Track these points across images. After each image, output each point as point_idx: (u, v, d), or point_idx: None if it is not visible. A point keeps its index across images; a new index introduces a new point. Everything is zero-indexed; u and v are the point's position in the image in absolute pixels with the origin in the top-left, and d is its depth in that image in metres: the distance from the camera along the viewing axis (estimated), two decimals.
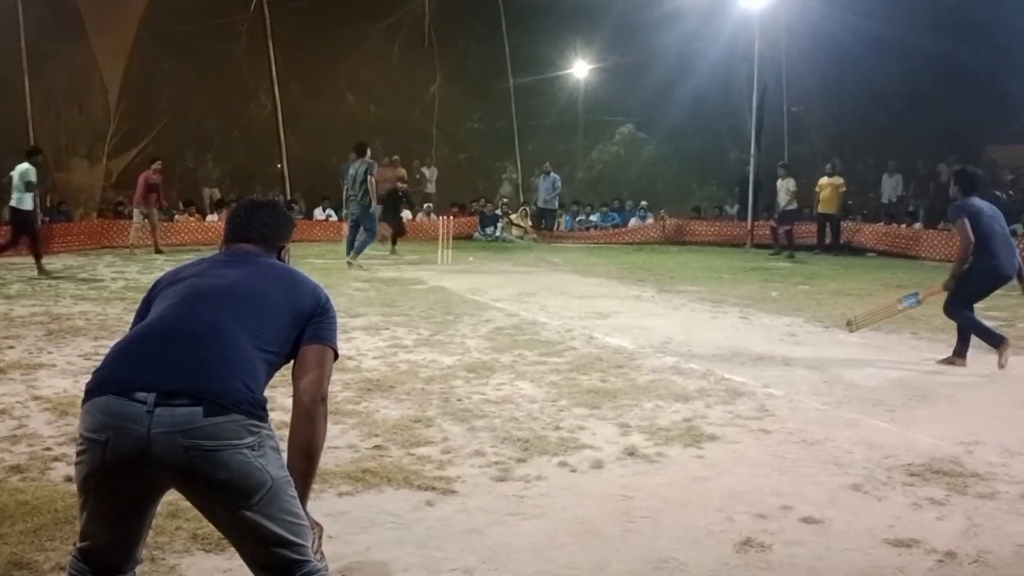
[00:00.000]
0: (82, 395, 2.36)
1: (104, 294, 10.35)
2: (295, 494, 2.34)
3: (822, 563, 3.42)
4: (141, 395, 2.19)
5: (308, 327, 2.54)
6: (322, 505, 3.85)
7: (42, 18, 17.61)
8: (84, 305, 9.43)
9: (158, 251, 15.73)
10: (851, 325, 8.00)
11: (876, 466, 4.55)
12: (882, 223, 19.35)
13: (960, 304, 7.30)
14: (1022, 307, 10.42)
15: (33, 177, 12.13)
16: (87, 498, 2.30)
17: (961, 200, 7.30)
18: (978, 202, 7.31)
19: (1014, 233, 17.31)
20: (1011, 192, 21.04)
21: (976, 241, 7.10)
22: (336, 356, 2.59)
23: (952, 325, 8.81)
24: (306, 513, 2.39)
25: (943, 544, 3.57)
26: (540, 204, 21.43)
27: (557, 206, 21.66)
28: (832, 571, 3.36)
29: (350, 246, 14.03)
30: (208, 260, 2.70)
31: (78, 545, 2.39)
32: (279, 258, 2.77)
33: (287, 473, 2.33)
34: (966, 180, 7.38)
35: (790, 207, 18.17)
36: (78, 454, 2.28)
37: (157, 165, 16.23)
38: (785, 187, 18.14)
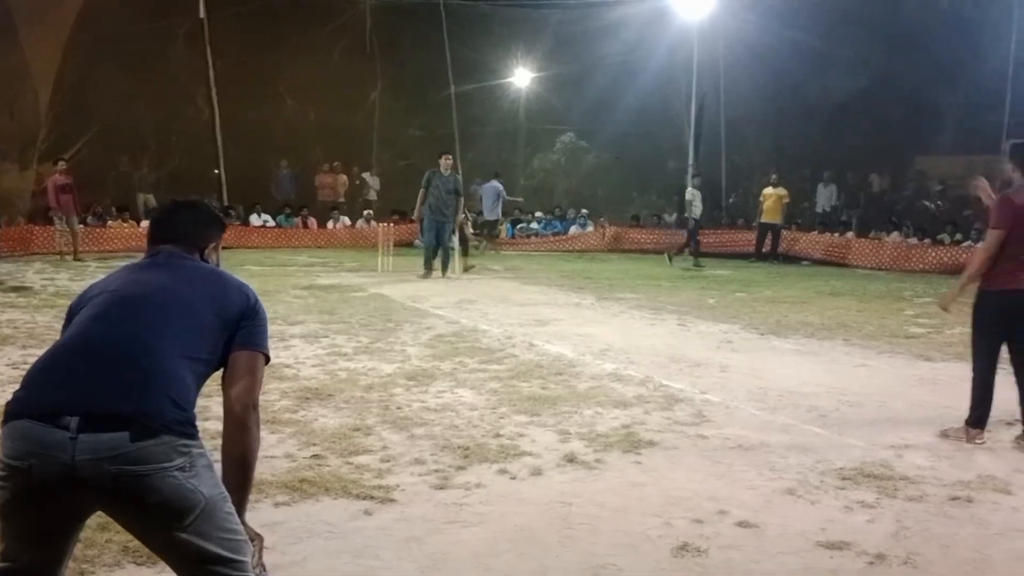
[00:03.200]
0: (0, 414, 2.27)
1: (33, 301, 10.09)
2: (231, 510, 2.28)
3: (757, 566, 3.48)
4: (64, 419, 2.11)
5: (238, 331, 2.45)
6: (258, 515, 3.79)
7: None
8: (12, 313, 9.18)
9: (76, 259, 15.13)
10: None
11: (809, 470, 4.63)
12: (816, 232, 19.76)
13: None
14: (950, 315, 10.72)
15: None
16: (8, 523, 2.21)
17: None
18: None
19: (940, 242, 18.00)
20: (939, 203, 21.67)
21: None
22: (267, 360, 2.52)
23: (884, 330, 9.07)
24: (245, 525, 2.35)
25: (874, 546, 3.65)
26: (487, 216, 20.57)
27: (500, 215, 21.17)
28: (767, 574, 3.42)
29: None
30: (130, 267, 2.59)
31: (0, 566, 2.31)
32: (203, 259, 2.65)
33: (222, 489, 2.27)
34: None
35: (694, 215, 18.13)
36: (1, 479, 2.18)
37: (62, 165, 15.62)
38: (696, 196, 18.15)
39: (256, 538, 2.41)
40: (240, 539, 2.27)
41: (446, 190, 13.48)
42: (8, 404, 2.23)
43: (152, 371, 2.23)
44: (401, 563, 3.43)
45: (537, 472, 4.53)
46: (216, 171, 21.13)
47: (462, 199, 13.95)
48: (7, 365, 6.61)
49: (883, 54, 21.05)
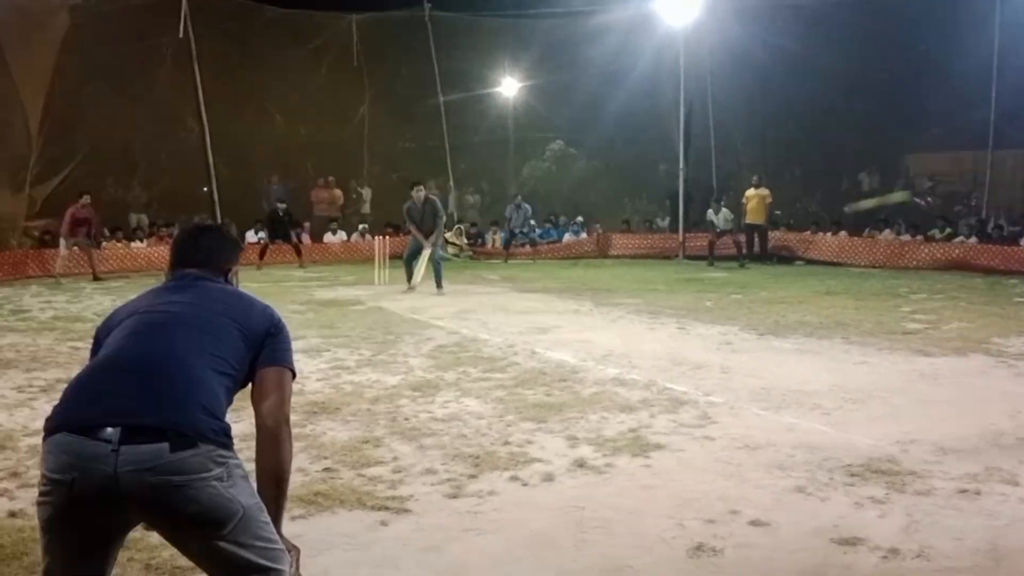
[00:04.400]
0: (42, 432, 2.31)
1: (33, 325, 10.08)
2: (268, 519, 2.32)
3: (773, 564, 3.52)
4: (105, 432, 2.15)
5: (263, 350, 2.51)
6: None
7: None
8: (12, 336, 9.17)
9: (96, 279, 15.43)
10: None
11: (817, 468, 4.68)
12: (808, 232, 19.86)
13: None
14: (946, 310, 10.82)
15: None
16: (51, 538, 2.24)
17: None
18: None
19: (932, 237, 18.13)
20: (930, 199, 21.81)
21: None
22: (294, 376, 2.57)
23: (881, 327, 9.15)
24: (281, 536, 2.38)
25: (886, 541, 3.69)
26: (514, 230, 21.24)
27: (530, 230, 21.64)
28: (783, 571, 3.46)
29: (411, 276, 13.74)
30: (156, 290, 2.66)
31: None
32: (227, 281, 2.73)
33: (258, 499, 2.32)
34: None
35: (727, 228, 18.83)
36: (41, 494, 2.22)
37: (86, 199, 15.89)
38: (723, 217, 18.79)
39: (293, 550, 2.45)
40: (277, 548, 2.32)
41: (429, 215, 13.64)
42: (48, 420, 2.27)
43: (186, 384, 2.29)
44: (420, 572, 3.46)
45: (548, 478, 4.57)
46: (205, 189, 21.14)
47: (443, 218, 14.12)
48: (12, 388, 6.61)
49: (867, 54, 21.20)
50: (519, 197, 21.79)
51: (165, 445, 2.15)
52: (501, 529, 3.90)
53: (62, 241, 15.82)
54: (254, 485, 2.38)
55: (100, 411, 2.20)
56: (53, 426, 2.23)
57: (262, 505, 2.32)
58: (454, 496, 4.29)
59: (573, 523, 3.97)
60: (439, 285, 13.43)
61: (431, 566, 3.53)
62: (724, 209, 18.97)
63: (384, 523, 3.96)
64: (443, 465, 4.75)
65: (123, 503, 2.16)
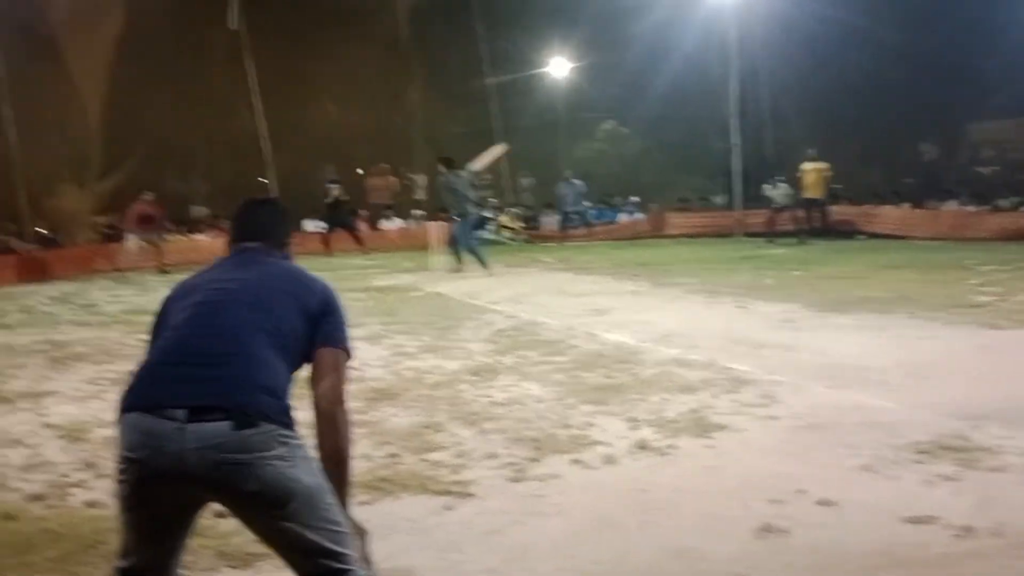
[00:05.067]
0: (115, 415, 2.39)
1: (102, 319, 10.34)
2: (333, 502, 2.35)
3: (842, 544, 3.46)
4: (173, 411, 2.21)
5: (319, 329, 2.51)
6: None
7: (16, 45, 17.57)
8: (83, 331, 9.42)
9: (163, 271, 15.78)
10: None
11: (885, 446, 4.59)
12: (869, 205, 19.49)
13: None
14: (1016, 281, 10.54)
15: None
16: (128, 515, 2.33)
17: None
18: None
19: (1000, 208, 17.66)
20: (995, 168, 21.24)
21: None
22: (350, 356, 2.56)
23: (948, 301, 8.95)
24: (349, 518, 2.41)
25: (960, 519, 3.61)
26: (568, 209, 21.21)
27: (584, 208, 21.56)
28: (854, 551, 3.40)
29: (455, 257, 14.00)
30: (216, 267, 2.69)
31: (117, 564, 2.41)
32: (286, 257, 2.75)
33: (322, 480, 2.35)
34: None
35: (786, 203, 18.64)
36: (118, 472, 2.31)
37: (149, 196, 16.28)
38: (781, 192, 18.58)
39: (361, 532, 2.47)
40: (342, 531, 2.34)
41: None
42: (121, 400, 2.35)
43: (250, 364, 2.33)
44: (484, 556, 3.48)
45: (610, 460, 4.55)
46: (262, 179, 21.46)
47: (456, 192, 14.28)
48: (84, 381, 6.79)
49: (923, 22, 20.67)
50: (569, 173, 21.69)
51: (228, 424, 2.20)
52: (564, 512, 3.90)
53: (129, 236, 16.19)
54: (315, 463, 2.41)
55: (168, 391, 2.27)
56: (126, 406, 2.31)
57: (326, 487, 2.34)
58: (516, 480, 4.31)
59: (636, 505, 3.95)
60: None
61: (495, 549, 3.54)
62: (782, 184, 18.70)
63: (448, 507, 3.99)
64: (505, 449, 4.77)
65: (191, 480, 2.22)
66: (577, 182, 21.21)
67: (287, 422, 2.31)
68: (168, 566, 2.41)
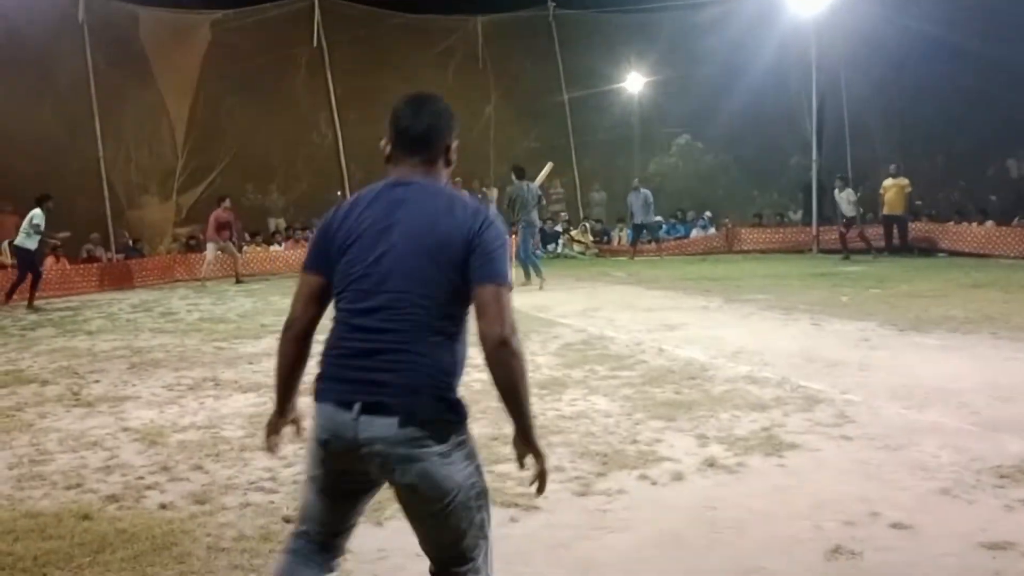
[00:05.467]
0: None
1: (181, 326, 10.62)
2: (482, 503, 2.49)
3: (916, 569, 3.37)
4: (350, 405, 2.39)
5: (473, 265, 2.41)
6: (406, 524, 3.90)
7: (110, 60, 18.22)
8: (163, 338, 9.69)
9: (238, 281, 16.30)
10: None
11: (964, 469, 4.46)
12: (952, 222, 18.95)
13: None
14: None
15: (40, 221, 13.33)
16: (310, 487, 2.57)
17: None
18: None
19: None
20: None
21: None
22: (510, 288, 2.45)
23: (1000, 313, 8.64)
24: (532, 444, 2.51)
25: None
26: (638, 221, 20.71)
27: (653, 219, 21.22)
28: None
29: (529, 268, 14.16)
30: (376, 199, 2.55)
31: (296, 528, 2.63)
32: (447, 162, 2.64)
33: (475, 480, 2.47)
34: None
35: (852, 214, 18.16)
36: (310, 450, 2.52)
37: (227, 203, 16.81)
38: (845, 198, 18.11)
39: (542, 457, 2.55)
40: (479, 538, 2.49)
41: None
42: (313, 387, 2.51)
43: (413, 363, 2.40)
44: (551, 569, 3.48)
45: (678, 477, 4.51)
46: (339, 193, 21.80)
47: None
48: (162, 387, 6.98)
49: (1010, 35, 20.03)
50: (636, 181, 21.47)
51: (395, 420, 2.36)
52: (630, 528, 3.88)
53: (209, 245, 16.66)
54: (479, 463, 2.51)
55: (344, 389, 2.43)
56: (317, 395, 2.49)
57: (478, 488, 2.47)
58: (583, 494, 4.29)
59: (704, 523, 3.90)
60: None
61: (561, 563, 3.54)
62: (848, 190, 18.21)
63: (514, 519, 3.99)
64: (571, 463, 4.76)
65: (362, 466, 2.44)
66: (644, 191, 20.99)
67: (451, 419, 2.43)
68: (339, 536, 2.63)
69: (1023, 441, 4.88)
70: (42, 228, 13.35)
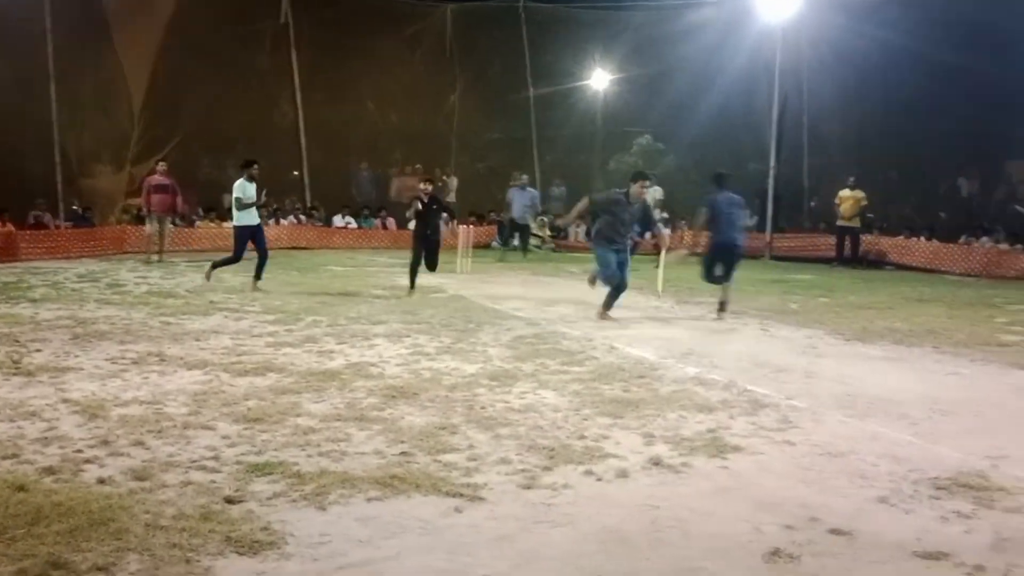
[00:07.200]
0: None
1: (128, 299, 10.44)
2: None
3: (851, 574, 3.43)
4: None
5: None
6: (351, 510, 3.90)
7: (70, 24, 17.81)
8: (108, 309, 9.52)
9: (159, 260, 15.47)
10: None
11: (902, 479, 4.54)
12: (901, 236, 19.30)
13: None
14: None
15: None
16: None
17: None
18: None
19: None
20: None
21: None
22: None
23: (974, 338, 8.88)
24: None
25: (972, 558, 3.56)
26: (515, 217, 19.66)
27: (530, 221, 20.20)
28: None
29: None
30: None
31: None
32: None
33: None
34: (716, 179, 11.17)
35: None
36: None
37: (162, 166, 16.21)
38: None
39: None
40: None
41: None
42: None
43: None
44: (494, 561, 3.48)
45: (623, 474, 4.54)
46: (296, 173, 21.61)
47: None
48: (106, 360, 6.85)
49: (970, 55, 20.38)
50: (525, 178, 20.38)
51: None
52: (574, 522, 3.89)
53: (148, 219, 16.05)
54: None
55: None
56: None
57: None
58: (528, 487, 4.30)
59: (647, 521, 3.93)
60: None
61: (503, 555, 3.53)
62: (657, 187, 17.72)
63: (458, 509, 3.99)
64: (518, 455, 4.76)
65: None
66: (531, 190, 19.90)
67: None
68: None
69: (959, 454, 4.99)
70: None
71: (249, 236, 11.73)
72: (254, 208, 11.82)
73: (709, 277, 10.56)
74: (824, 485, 4.46)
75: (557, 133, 25.93)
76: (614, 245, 10.08)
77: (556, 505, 4.08)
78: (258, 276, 11.62)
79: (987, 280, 15.93)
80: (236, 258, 11.76)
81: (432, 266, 12.02)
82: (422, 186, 12.36)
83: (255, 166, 11.98)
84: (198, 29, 19.89)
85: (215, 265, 11.89)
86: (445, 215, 12.49)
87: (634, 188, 10.10)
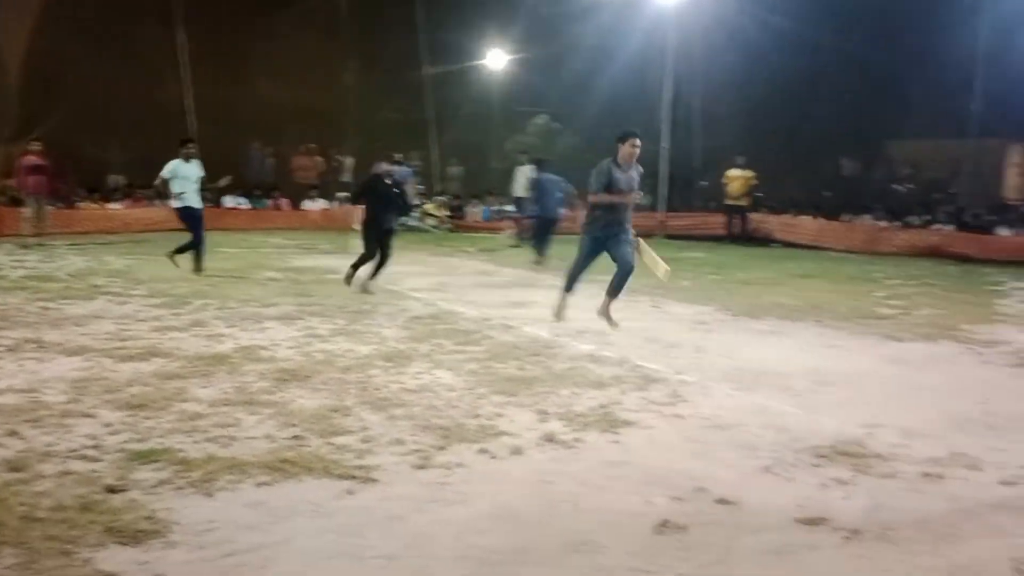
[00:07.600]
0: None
1: (3, 284, 9.97)
2: None
3: (737, 542, 3.53)
4: None
5: None
6: (241, 496, 3.82)
7: None
8: None
9: (39, 243, 14.73)
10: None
11: (785, 448, 4.70)
12: (788, 215, 19.93)
13: None
14: (919, 296, 10.90)
15: None
16: None
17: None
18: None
19: (911, 224, 18.26)
20: (910, 186, 21.92)
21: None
22: None
23: (854, 311, 9.24)
24: None
25: (850, 522, 3.72)
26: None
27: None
28: (747, 550, 3.47)
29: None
30: None
31: None
32: None
33: None
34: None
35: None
36: None
37: (35, 146, 15.48)
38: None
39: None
40: None
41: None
42: None
43: None
44: (385, 541, 3.46)
45: (517, 452, 4.56)
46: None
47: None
48: None
49: (854, 39, 21.15)
50: (400, 156, 20.43)
51: None
52: (467, 501, 3.90)
53: (27, 200, 15.35)
54: None
55: None
56: None
57: None
58: (421, 467, 4.28)
59: (540, 497, 3.97)
60: None
61: (396, 535, 3.52)
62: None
63: (350, 492, 3.95)
64: (412, 436, 4.74)
65: None
66: (403, 169, 19.87)
67: None
68: None
69: (839, 423, 5.19)
70: None
71: (190, 217, 11.21)
72: (194, 190, 11.25)
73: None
74: (711, 457, 4.58)
75: (454, 112, 25.85)
76: (610, 229, 8.69)
77: (450, 484, 4.08)
78: (180, 252, 11.14)
79: (867, 256, 16.59)
80: (197, 241, 11.20)
81: (385, 261, 10.42)
82: (386, 167, 10.63)
83: (190, 145, 11.44)
84: (79, 1, 19.04)
85: (179, 250, 11.26)
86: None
87: (623, 149, 8.64)
